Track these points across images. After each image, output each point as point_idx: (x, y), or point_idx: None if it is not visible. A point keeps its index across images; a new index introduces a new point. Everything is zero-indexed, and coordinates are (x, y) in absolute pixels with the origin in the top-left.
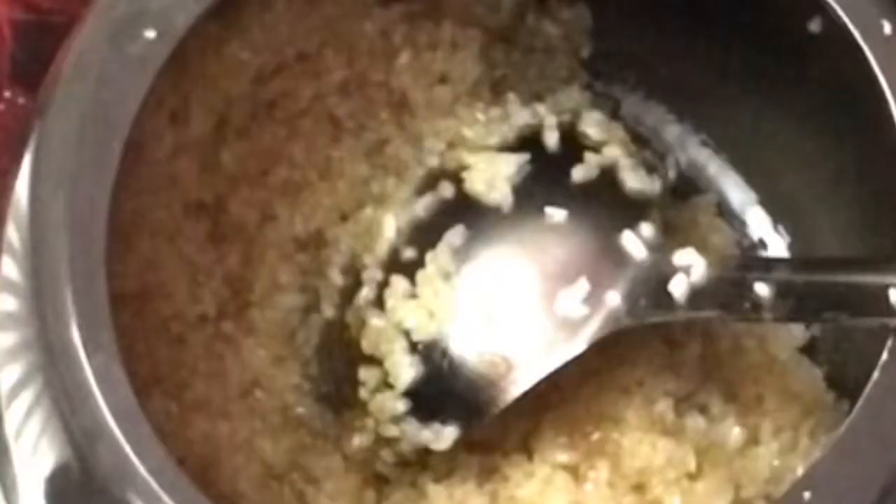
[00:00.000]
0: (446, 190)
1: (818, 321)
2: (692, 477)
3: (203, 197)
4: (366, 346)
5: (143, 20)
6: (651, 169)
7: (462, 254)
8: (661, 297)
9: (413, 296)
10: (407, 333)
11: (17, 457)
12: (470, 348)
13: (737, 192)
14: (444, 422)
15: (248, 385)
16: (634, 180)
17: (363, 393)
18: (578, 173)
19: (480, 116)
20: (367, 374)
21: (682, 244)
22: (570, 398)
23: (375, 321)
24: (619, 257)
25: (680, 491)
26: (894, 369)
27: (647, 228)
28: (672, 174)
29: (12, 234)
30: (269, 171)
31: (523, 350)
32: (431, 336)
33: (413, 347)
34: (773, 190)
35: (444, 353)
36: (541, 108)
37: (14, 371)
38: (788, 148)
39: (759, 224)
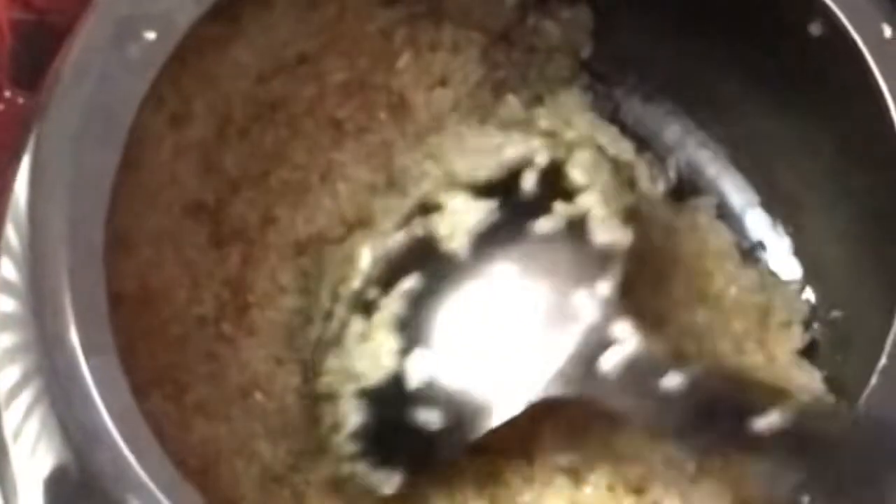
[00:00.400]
0: (418, 228)
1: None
2: (692, 480)
3: (204, 198)
4: (322, 384)
5: (143, 21)
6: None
7: (418, 301)
8: (591, 369)
9: (366, 339)
10: (357, 377)
11: (16, 458)
12: (417, 399)
13: (737, 194)
14: (391, 467)
15: (247, 387)
16: (603, 233)
17: (322, 429)
18: (542, 226)
19: (473, 142)
20: (323, 412)
21: (682, 246)
22: (570, 401)
23: (332, 360)
24: (567, 319)
25: (679, 494)
26: (893, 374)
27: (603, 287)
28: (672, 176)
29: (11, 234)
30: (270, 172)
31: (466, 407)
32: (379, 382)
33: (362, 392)
34: (774, 192)
35: (392, 400)
36: (535, 142)
37: (13, 372)
38: (789, 150)
39: (759, 226)
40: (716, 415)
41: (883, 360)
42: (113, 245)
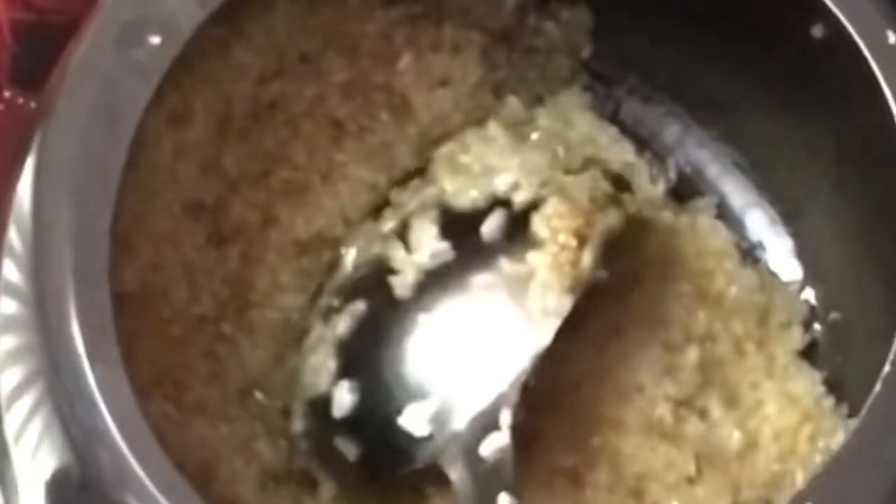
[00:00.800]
0: (380, 247)
1: None
2: (691, 481)
3: (204, 198)
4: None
5: (148, 26)
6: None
7: (361, 327)
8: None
9: (314, 351)
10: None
11: (18, 460)
12: (339, 426)
13: (737, 194)
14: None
15: (247, 387)
16: (540, 300)
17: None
18: (485, 280)
19: (469, 159)
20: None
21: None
22: (569, 402)
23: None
24: (480, 384)
25: (679, 495)
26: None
27: (517, 362)
28: (672, 176)
29: (14, 236)
30: (270, 172)
31: (383, 444)
32: (318, 393)
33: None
34: (774, 192)
35: (320, 419)
36: (523, 180)
37: (15, 374)
38: (789, 151)
39: (759, 226)
40: None
41: (887, 368)
42: (114, 246)
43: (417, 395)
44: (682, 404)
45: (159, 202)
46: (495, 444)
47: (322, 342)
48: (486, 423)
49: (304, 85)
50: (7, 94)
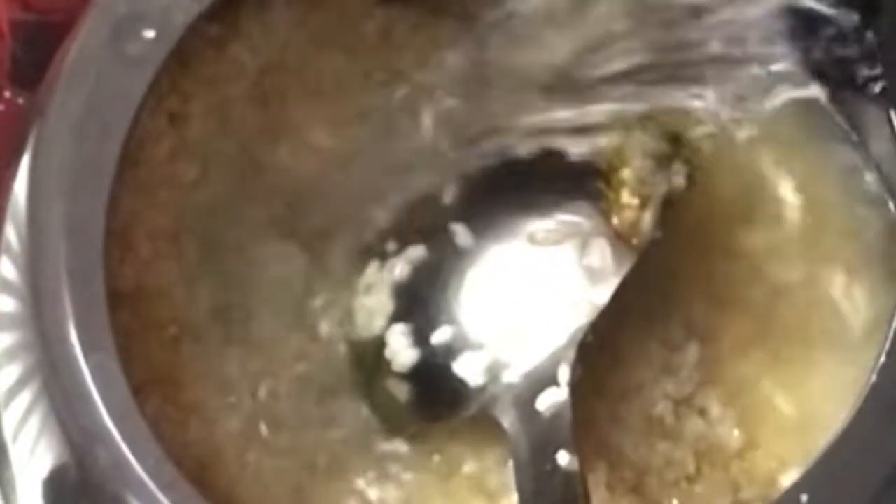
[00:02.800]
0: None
1: None
2: (691, 479)
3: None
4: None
5: (142, 20)
6: None
7: (418, 271)
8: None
9: (368, 292)
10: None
11: (16, 458)
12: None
13: None
14: None
15: (245, 387)
16: (599, 258)
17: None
18: (541, 235)
19: None
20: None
21: None
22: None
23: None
24: (536, 339)
25: (678, 493)
26: (891, 372)
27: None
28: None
29: (10, 234)
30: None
31: (433, 391)
32: (370, 334)
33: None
34: None
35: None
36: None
37: (12, 372)
38: None
39: None
40: None
41: (882, 359)
42: (111, 244)
43: (473, 345)
44: (682, 403)
45: (157, 202)
46: (553, 399)
47: (378, 284)
48: (542, 378)
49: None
50: (7, 93)
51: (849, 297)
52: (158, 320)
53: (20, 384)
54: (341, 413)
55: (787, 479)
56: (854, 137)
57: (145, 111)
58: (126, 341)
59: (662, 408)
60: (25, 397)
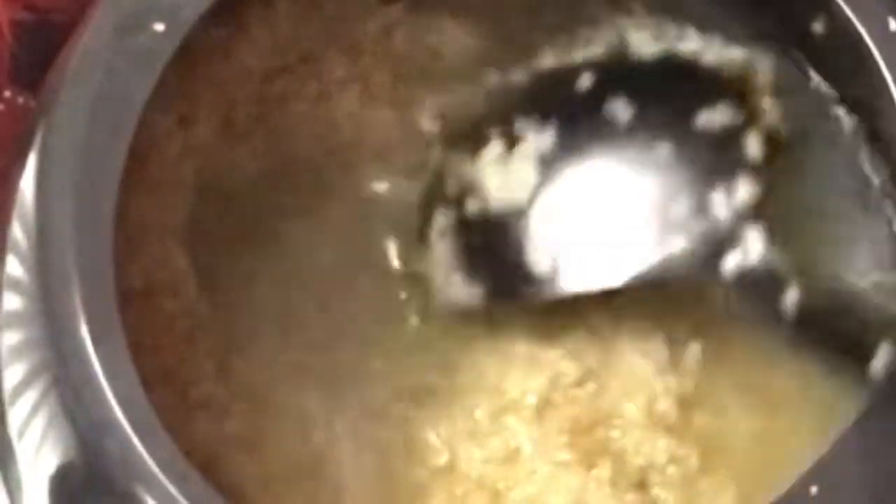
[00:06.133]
0: None
1: None
2: (695, 475)
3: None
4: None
5: (151, 13)
6: None
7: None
8: (710, 265)
9: (504, 163)
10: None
11: (22, 455)
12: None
13: None
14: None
15: (253, 384)
16: (754, 148)
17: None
18: (707, 118)
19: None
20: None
21: None
22: (572, 396)
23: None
24: (699, 211)
25: (683, 489)
26: None
27: (744, 192)
28: None
29: (17, 232)
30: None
31: (573, 258)
32: (502, 209)
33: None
34: None
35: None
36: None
37: (18, 370)
38: None
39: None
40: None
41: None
42: (120, 242)
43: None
44: (686, 398)
45: (166, 201)
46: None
47: (515, 157)
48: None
49: (305, 84)
50: (7, 93)
51: None
52: (167, 317)
53: (26, 382)
54: None
55: (795, 472)
56: None
57: (155, 114)
58: (134, 338)
59: (666, 403)
60: (32, 395)
